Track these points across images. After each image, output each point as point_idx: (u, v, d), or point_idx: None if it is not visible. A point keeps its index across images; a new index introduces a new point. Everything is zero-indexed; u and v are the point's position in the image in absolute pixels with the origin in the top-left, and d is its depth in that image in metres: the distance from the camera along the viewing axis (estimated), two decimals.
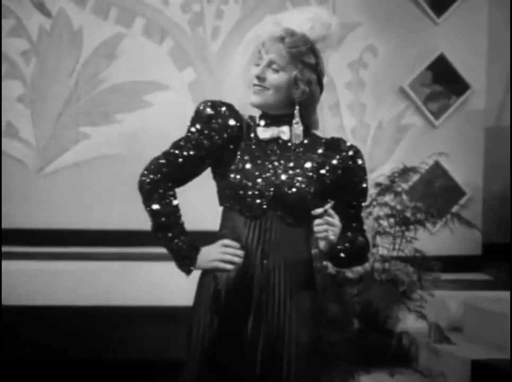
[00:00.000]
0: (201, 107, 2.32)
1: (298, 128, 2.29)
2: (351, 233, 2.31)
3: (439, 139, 5.08)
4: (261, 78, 2.26)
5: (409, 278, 4.29)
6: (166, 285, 4.41)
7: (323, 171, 2.31)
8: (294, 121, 2.29)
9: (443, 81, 5.12)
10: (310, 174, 2.29)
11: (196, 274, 2.37)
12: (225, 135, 2.28)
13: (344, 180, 2.32)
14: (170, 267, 4.77)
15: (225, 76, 5.00)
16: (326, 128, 4.99)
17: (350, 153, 2.33)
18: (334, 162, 2.31)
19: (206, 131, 2.29)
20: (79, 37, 4.76)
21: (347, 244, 2.28)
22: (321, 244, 2.24)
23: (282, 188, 2.27)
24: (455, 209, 5.03)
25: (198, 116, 2.31)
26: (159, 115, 4.87)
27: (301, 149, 2.32)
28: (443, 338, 4.28)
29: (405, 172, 4.57)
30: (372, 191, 4.53)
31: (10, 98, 4.72)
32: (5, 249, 4.57)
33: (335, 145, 2.34)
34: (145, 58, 4.85)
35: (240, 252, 2.27)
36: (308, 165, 2.30)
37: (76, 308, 4.51)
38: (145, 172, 2.32)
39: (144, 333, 4.67)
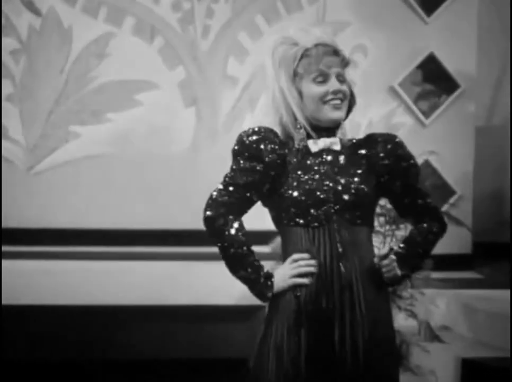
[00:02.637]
0: (245, 136, 2.37)
1: (344, 130, 2.39)
2: (418, 235, 2.42)
3: (429, 138, 5.09)
4: (339, 92, 2.34)
5: None
6: (163, 284, 4.42)
7: (371, 164, 2.37)
8: (342, 126, 2.37)
9: (433, 80, 5.14)
10: (362, 170, 2.36)
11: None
12: (275, 156, 2.34)
13: (391, 167, 2.38)
14: (164, 266, 4.79)
15: (215, 74, 5.03)
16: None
17: (389, 140, 2.40)
18: (378, 153, 2.38)
19: (257, 156, 2.34)
20: (68, 36, 4.75)
21: (408, 257, 2.37)
22: (387, 279, 2.35)
23: (342, 191, 2.33)
24: (445, 208, 5.04)
25: (244, 144, 2.36)
26: (149, 114, 4.87)
27: (348, 154, 2.38)
28: (433, 337, 4.29)
29: None
30: None
31: None
32: None
33: (374, 139, 2.41)
34: (135, 57, 4.85)
35: (314, 262, 2.30)
36: (357, 164, 2.37)
37: (69, 307, 4.51)
38: (207, 209, 2.35)
39: (145, 333, 4.67)
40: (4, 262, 4.45)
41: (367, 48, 5.03)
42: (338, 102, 2.34)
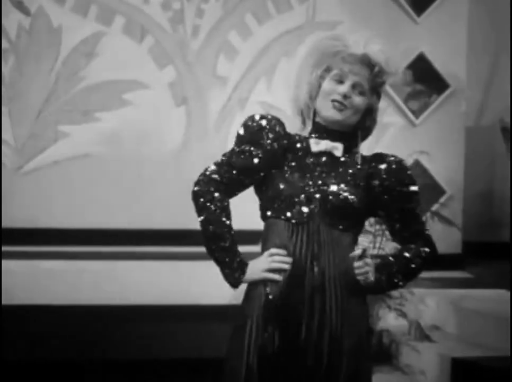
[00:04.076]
0: (250, 120, 2.35)
1: (359, 150, 2.36)
2: (404, 254, 2.35)
3: (419, 137, 5.10)
4: (347, 97, 2.29)
5: None
6: (156, 283, 4.41)
7: (370, 181, 2.34)
8: (358, 148, 2.35)
9: (424, 80, 5.14)
10: (358, 184, 2.33)
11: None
12: (276, 146, 2.32)
13: (391, 189, 2.34)
14: (154, 265, 4.78)
15: (205, 74, 5.02)
16: (308, 127, 5.02)
17: (394, 162, 2.36)
18: (381, 172, 2.34)
19: (258, 142, 2.33)
20: (58, 36, 4.74)
21: (388, 270, 2.31)
22: (363, 283, 2.29)
23: (330, 195, 2.30)
24: (435, 207, 5.05)
25: (248, 128, 2.34)
26: (138, 114, 4.86)
27: (350, 163, 2.35)
28: (423, 336, 4.29)
29: None
30: None
31: None
32: None
33: (380, 158, 2.38)
34: (125, 57, 4.84)
35: (288, 259, 2.28)
36: (356, 177, 2.34)
37: (56, 307, 4.50)
38: (197, 183, 2.34)
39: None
40: None
41: None
42: (338, 104, 2.29)
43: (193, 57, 4.93)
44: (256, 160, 2.32)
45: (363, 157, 2.38)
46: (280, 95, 4.94)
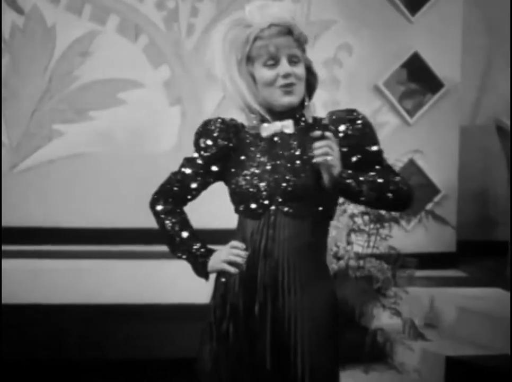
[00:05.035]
0: (199, 126, 2.37)
1: (310, 108, 2.29)
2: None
3: (414, 137, 5.10)
4: (290, 75, 2.23)
5: (384, 275, 4.30)
6: (156, 282, 4.42)
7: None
8: (306, 102, 2.28)
9: (418, 79, 5.14)
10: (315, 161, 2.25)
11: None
12: (214, 150, 2.32)
13: (353, 148, 2.26)
14: (153, 264, 4.77)
15: (200, 73, 5.01)
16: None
17: (350, 116, 2.28)
18: (340, 135, 2.26)
19: (198, 149, 2.35)
20: (52, 35, 4.73)
21: (356, 175, 2.19)
22: (325, 176, 2.19)
23: (285, 183, 2.26)
24: (429, 206, 5.06)
25: (196, 134, 2.37)
26: (133, 113, 4.86)
27: (302, 136, 2.28)
28: (417, 335, 4.29)
29: None
30: None
31: None
32: None
33: (337, 119, 2.28)
34: (119, 56, 4.83)
35: (244, 253, 2.28)
36: (310, 151, 2.25)
37: (60, 307, 4.50)
38: (154, 192, 2.42)
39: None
40: None
41: (351, 47, 5.04)
42: (289, 86, 2.23)
43: (188, 56, 4.93)
44: (199, 168, 2.33)
45: (317, 120, 2.30)
46: None
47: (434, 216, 4.79)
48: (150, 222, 4.78)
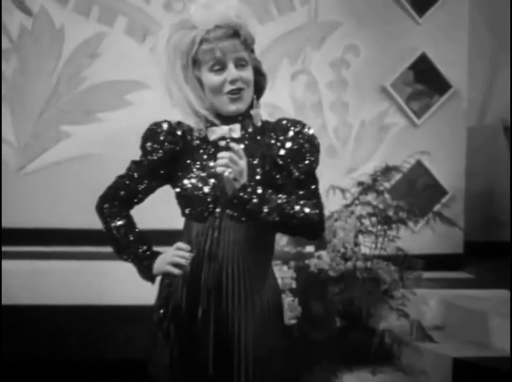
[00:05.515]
0: (145, 130, 2.35)
1: (258, 110, 2.25)
2: (284, 195, 2.20)
3: (421, 138, 5.10)
4: (238, 80, 2.19)
5: (391, 277, 4.30)
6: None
7: (271, 157, 2.24)
8: (255, 105, 2.24)
9: (425, 80, 5.14)
10: (258, 169, 2.23)
11: None
12: (160, 154, 2.29)
13: (290, 157, 2.23)
14: None
15: None
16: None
17: (295, 129, 2.25)
18: (283, 143, 2.24)
19: (144, 153, 2.33)
20: (60, 36, 4.73)
21: (263, 193, 2.16)
22: (226, 187, 2.17)
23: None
24: (436, 208, 5.05)
25: (141, 139, 2.35)
26: (140, 114, 4.85)
27: (248, 141, 2.25)
28: (425, 336, 4.28)
29: (387, 171, 4.59)
30: (354, 190, 4.54)
31: None
32: None
33: (281, 126, 2.26)
34: (127, 57, 4.84)
35: (188, 255, 2.24)
36: (255, 158, 2.24)
37: (61, 307, 4.50)
38: (99, 197, 2.41)
39: (145, 332, 4.64)
40: None
41: (358, 48, 5.04)
42: (237, 93, 2.19)
43: None
44: (144, 171, 2.32)
45: (263, 125, 2.26)
46: (282, 95, 4.95)
47: (442, 218, 4.78)
48: (158, 222, 4.81)
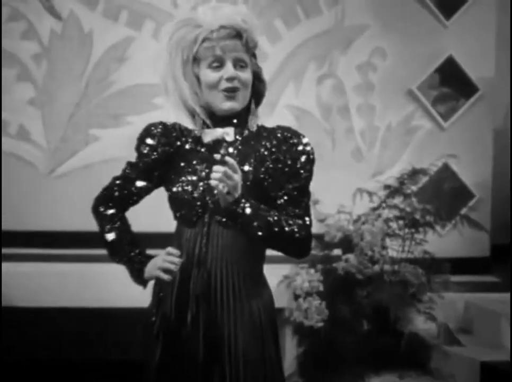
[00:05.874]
0: (141, 131, 2.35)
1: (256, 115, 2.24)
2: (275, 211, 2.18)
3: (448, 141, 5.09)
4: (233, 78, 2.17)
5: (419, 280, 4.30)
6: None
7: (263, 165, 2.22)
8: (252, 110, 2.22)
9: (452, 83, 5.13)
10: (250, 176, 2.21)
11: None
12: (156, 155, 2.28)
13: (283, 168, 2.22)
14: None
15: None
16: (336, 131, 5.03)
17: (292, 141, 2.23)
18: (274, 150, 2.22)
19: (139, 155, 2.33)
20: (89, 40, 4.76)
21: (255, 208, 2.13)
22: (220, 200, 2.14)
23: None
24: (463, 211, 5.04)
25: (137, 141, 2.35)
26: (168, 118, 4.87)
27: (241, 145, 2.23)
28: (452, 340, 4.28)
29: (414, 174, 4.59)
30: (381, 193, 4.55)
31: (22, 101, 4.72)
32: (14, 250, 4.59)
33: (277, 136, 2.24)
34: (155, 61, 4.85)
35: (177, 260, 2.21)
36: (247, 164, 2.21)
37: (83, 309, 4.54)
38: (94, 199, 2.42)
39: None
40: (14, 264, 4.48)
41: (385, 51, 5.04)
42: (232, 91, 2.17)
43: None
44: (139, 172, 2.31)
45: (258, 130, 2.23)
46: (309, 99, 4.96)
47: (469, 221, 4.77)
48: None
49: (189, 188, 2.22)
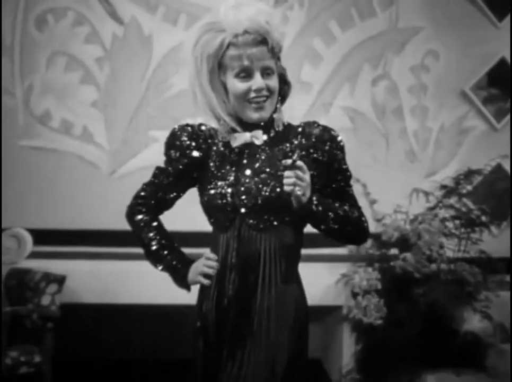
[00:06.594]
0: (168, 135, 2.32)
1: (281, 115, 2.22)
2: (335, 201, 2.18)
3: (501, 141, 5.09)
4: (263, 89, 2.15)
5: (476, 279, 4.31)
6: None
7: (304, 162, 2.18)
8: (278, 110, 2.20)
9: (505, 84, 5.14)
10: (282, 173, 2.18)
11: None
12: (185, 161, 2.26)
13: (320, 164, 2.20)
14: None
15: (290, 80, 5.08)
16: (389, 132, 5.05)
17: (324, 137, 2.21)
18: (308, 149, 2.20)
19: (169, 161, 2.30)
20: (149, 44, 4.82)
21: (324, 203, 2.15)
22: (294, 202, 2.13)
23: (252, 195, 2.18)
24: None
25: (165, 145, 2.33)
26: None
27: (273, 147, 2.22)
28: (508, 338, 4.29)
29: (469, 174, 4.61)
30: (437, 193, 4.57)
31: (85, 103, 4.80)
32: (79, 249, 4.67)
33: (308, 131, 2.22)
34: None
35: (215, 264, 2.22)
36: (279, 163, 2.19)
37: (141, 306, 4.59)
38: (128, 207, 2.37)
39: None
40: (78, 262, 4.55)
41: (438, 53, 5.06)
42: (261, 101, 2.15)
43: None
44: (170, 178, 2.28)
45: (289, 128, 2.21)
46: (363, 100, 5.00)
47: None
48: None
49: (220, 192, 2.20)
